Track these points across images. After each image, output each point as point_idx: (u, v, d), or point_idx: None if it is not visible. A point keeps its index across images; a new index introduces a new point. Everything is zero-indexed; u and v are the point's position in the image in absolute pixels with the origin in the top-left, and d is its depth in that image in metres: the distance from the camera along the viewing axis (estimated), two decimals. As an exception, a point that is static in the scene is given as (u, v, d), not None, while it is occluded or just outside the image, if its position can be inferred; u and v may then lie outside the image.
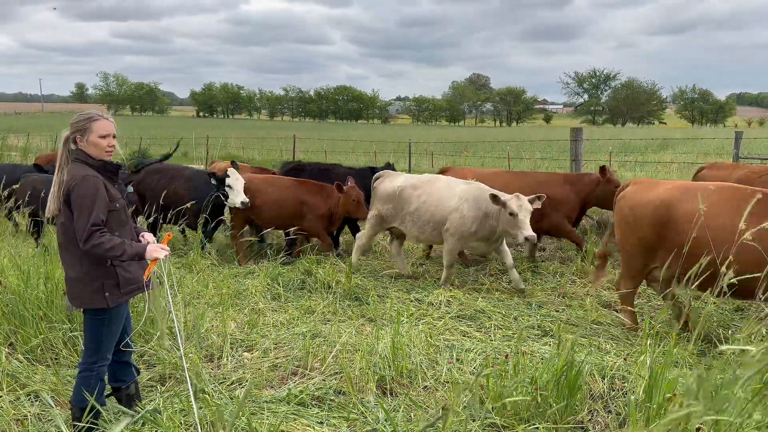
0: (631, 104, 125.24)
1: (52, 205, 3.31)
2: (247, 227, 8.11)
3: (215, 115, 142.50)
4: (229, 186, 7.43)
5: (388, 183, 7.15)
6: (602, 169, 7.56)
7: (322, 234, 7.76)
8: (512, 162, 22.75)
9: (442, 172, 8.66)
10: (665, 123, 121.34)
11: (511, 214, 6.07)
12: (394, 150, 23.83)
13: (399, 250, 7.38)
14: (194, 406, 3.02)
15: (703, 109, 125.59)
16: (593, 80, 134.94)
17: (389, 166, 9.04)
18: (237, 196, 7.37)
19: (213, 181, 7.51)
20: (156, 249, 3.34)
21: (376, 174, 7.49)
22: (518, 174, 8.52)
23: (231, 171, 7.54)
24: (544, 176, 8.10)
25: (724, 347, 2.15)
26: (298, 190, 7.75)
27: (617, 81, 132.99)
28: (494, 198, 6.17)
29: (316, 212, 7.62)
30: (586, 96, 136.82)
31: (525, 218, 6.06)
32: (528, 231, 6.00)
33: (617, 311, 5.87)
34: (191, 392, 3.08)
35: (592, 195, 7.62)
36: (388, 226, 7.23)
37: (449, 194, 6.67)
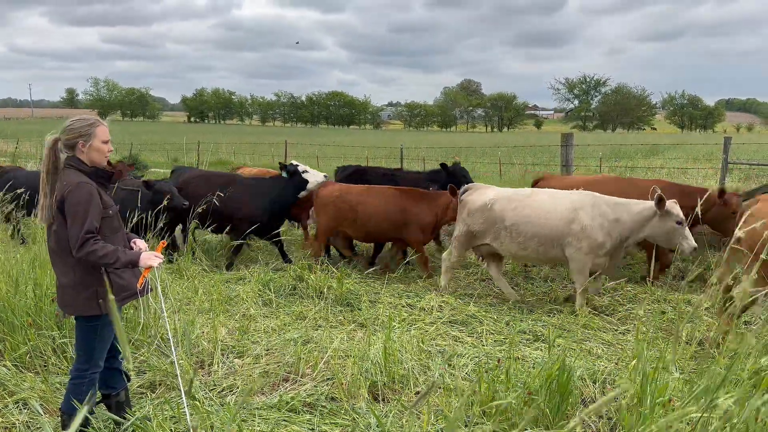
0: (621, 110, 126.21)
1: (45, 213, 3.26)
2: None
3: (207, 121, 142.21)
4: (305, 171, 7.63)
5: (478, 196, 6.51)
6: (721, 191, 6.70)
7: (422, 246, 7.37)
8: (504, 167, 22.85)
9: (540, 179, 8.27)
10: (655, 129, 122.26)
11: (679, 222, 5.48)
12: (386, 155, 23.90)
13: (499, 272, 6.71)
14: (187, 415, 3.00)
15: (692, 114, 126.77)
16: (583, 86, 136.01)
17: (458, 165, 8.77)
18: (316, 176, 7.65)
19: (284, 174, 7.68)
20: (150, 257, 3.34)
21: (465, 186, 6.86)
22: (631, 181, 7.61)
23: (296, 162, 7.81)
24: (659, 185, 6.85)
25: None
26: (400, 199, 7.30)
27: (607, 87, 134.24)
28: (659, 202, 5.50)
29: (420, 221, 7.21)
30: (576, 102, 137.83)
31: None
32: (693, 241, 5.51)
33: (608, 316, 5.90)
34: (184, 399, 3.06)
35: (705, 213, 6.47)
36: (478, 243, 6.54)
37: (557, 205, 5.98)
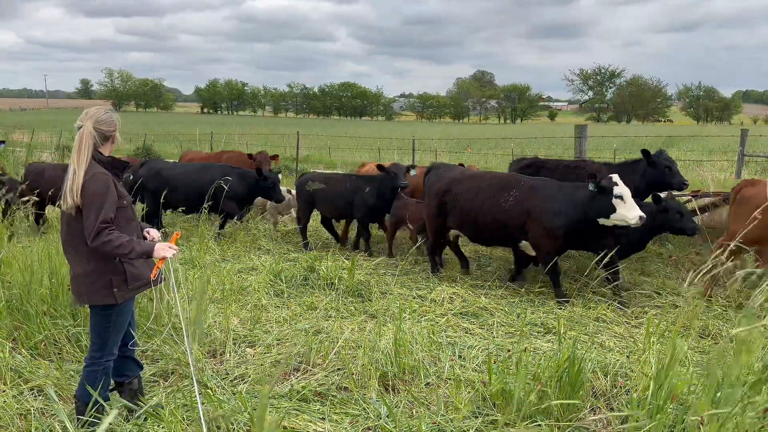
0: (636, 101, 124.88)
1: (69, 200, 3.21)
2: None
3: (220, 112, 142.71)
4: (619, 197, 5.64)
5: None
6: None
7: None
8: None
9: None
10: (671, 120, 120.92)
11: None
12: (399, 147, 23.82)
13: None
14: (199, 403, 3.03)
15: (708, 106, 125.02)
16: (598, 77, 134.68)
17: (663, 153, 6.92)
18: (631, 210, 5.57)
19: (591, 187, 5.80)
20: (164, 248, 3.35)
21: None
22: None
23: (616, 177, 5.74)
24: None
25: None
26: None
27: (622, 78, 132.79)
28: None
29: None
30: (590, 93, 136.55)
31: None
32: None
33: (621, 308, 5.86)
34: (196, 388, 3.09)
35: None
36: None
37: None
